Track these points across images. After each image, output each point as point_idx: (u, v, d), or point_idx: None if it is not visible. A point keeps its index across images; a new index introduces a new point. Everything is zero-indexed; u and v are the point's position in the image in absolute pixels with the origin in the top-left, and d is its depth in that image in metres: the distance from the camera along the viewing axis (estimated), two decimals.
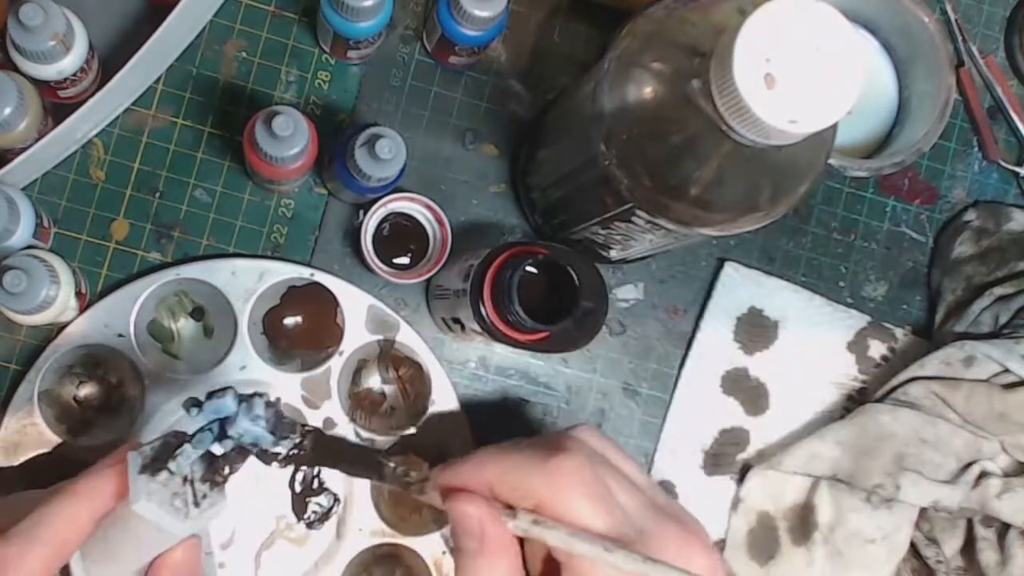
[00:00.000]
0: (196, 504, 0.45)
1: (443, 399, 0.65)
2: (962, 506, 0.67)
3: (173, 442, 0.46)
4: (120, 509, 0.45)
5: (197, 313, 0.65)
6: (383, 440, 0.64)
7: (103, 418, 0.63)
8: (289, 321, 0.66)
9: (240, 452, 0.46)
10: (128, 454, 0.45)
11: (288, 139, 0.56)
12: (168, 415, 0.62)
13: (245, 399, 0.45)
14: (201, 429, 0.45)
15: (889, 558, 0.67)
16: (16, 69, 0.57)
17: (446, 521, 0.65)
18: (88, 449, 0.61)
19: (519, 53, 0.69)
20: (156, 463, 0.45)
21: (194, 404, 0.45)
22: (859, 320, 0.72)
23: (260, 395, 0.45)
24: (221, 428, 0.45)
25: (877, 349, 0.72)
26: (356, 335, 0.64)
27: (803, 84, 0.43)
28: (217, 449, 0.45)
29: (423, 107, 0.68)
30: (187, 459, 0.45)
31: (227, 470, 0.46)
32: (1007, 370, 0.67)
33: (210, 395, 0.45)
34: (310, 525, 0.57)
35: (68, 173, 0.64)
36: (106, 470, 0.45)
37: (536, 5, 0.70)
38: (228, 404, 0.45)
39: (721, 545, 0.69)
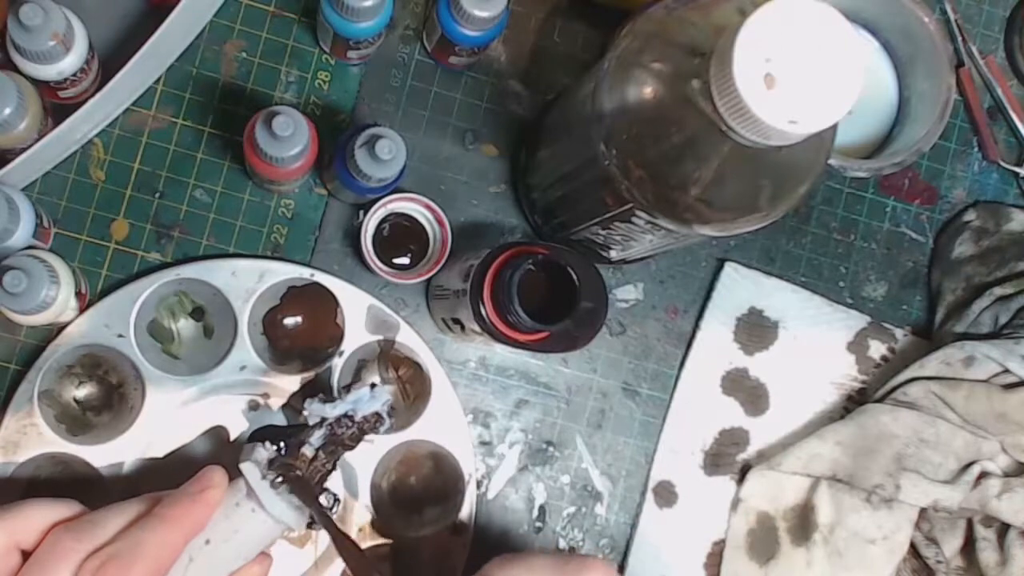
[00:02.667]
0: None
1: (443, 399, 0.65)
2: (962, 506, 0.67)
3: (284, 455, 0.52)
4: (215, 529, 0.49)
5: (197, 313, 0.65)
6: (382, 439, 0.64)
7: (103, 418, 0.63)
8: (289, 321, 0.66)
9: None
10: (245, 467, 0.50)
11: (288, 139, 0.56)
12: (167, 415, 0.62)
13: (372, 387, 0.56)
14: (318, 426, 0.54)
15: (889, 558, 0.67)
16: (16, 69, 0.57)
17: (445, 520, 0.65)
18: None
19: (519, 53, 0.69)
20: (278, 471, 0.51)
21: (327, 400, 0.55)
22: (859, 320, 0.72)
23: (375, 384, 0.56)
24: (340, 419, 0.55)
25: (877, 349, 0.72)
26: (356, 335, 0.64)
27: (803, 84, 0.43)
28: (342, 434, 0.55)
29: (423, 107, 0.68)
30: (308, 460, 0.53)
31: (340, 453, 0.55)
32: (1007, 370, 0.67)
33: (347, 387, 0.56)
34: (310, 525, 0.58)
35: (68, 173, 0.64)
36: (197, 497, 0.49)
37: (536, 5, 0.70)
38: (364, 394, 0.55)
39: (721, 545, 0.69)
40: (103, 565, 0.45)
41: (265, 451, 0.52)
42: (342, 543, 0.52)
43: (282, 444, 0.53)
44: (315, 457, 0.53)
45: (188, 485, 0.50)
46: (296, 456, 0.52)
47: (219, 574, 0.50)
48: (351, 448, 0.56)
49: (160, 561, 0.47)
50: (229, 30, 0.66)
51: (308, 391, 0.62)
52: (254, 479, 0.50)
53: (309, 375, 0.64)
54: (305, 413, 0.55)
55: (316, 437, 0.54)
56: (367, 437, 0.56)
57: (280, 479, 0.51)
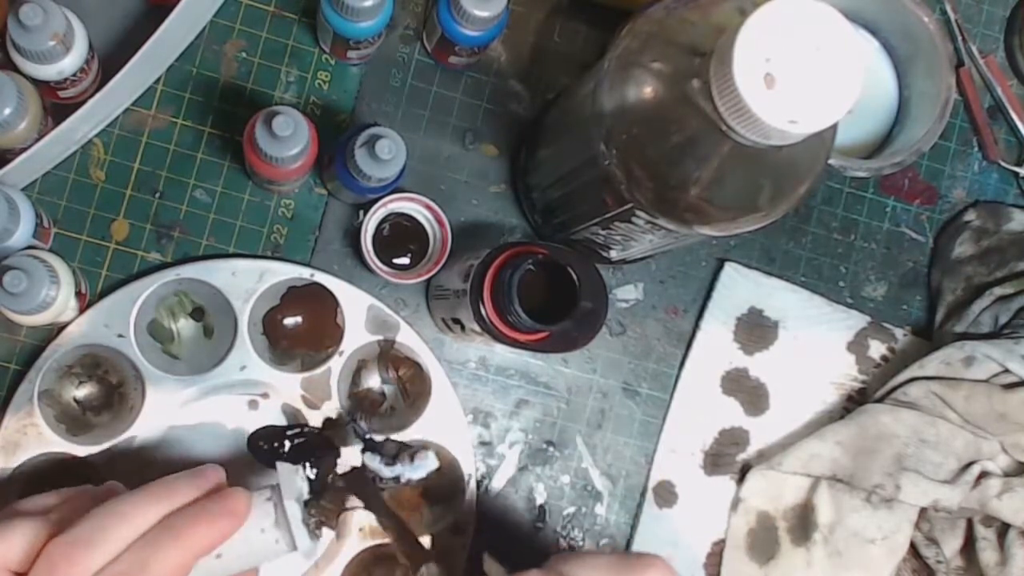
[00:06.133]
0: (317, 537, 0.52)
1: (443, 399, 0.65)
2: (962, 506, 0.67)
3: (323, 497, 0.52)
4: (231, 547, 0.47)
5: (197, 313, 0.65)
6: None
7: (103, 418, 0.63)
8: (289, 321, 0.66)
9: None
10: (289, 506, 0.49)
11: (288, 139, 0.56)
12: (167, 415, 0.63)
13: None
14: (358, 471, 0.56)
15: (889, 558, 0.67)
16: (16, 69, 0.57)
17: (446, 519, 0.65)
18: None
19: (519, 53, 0.69)
20: (318, 516, 0.51)
21: (385, 460, 0.58)
22: (859, 320, 0.72)
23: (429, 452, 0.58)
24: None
25: (877, 349, 0.72)
26: (356, 335, 0.64)
27: (803, 84, 0.43)
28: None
29: (423, 107, 0.68)
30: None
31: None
32: (1007, 370, 0.67)
33: (410, 455, 0.58)
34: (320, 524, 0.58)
35: (68, 173, 0.64)
36: (217, 519, 0.45)
37: (536, 5, 0.70)
38: (424, 464, 0.58)
39: (721, 545, 0.69)
40: None
41: (302, 481, 0.51)
42: (405, 538, 0.54)
43: (315, 471, 0.53)
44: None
45: (210, 501, 0.46)
46: (339, 501, 0.52)
47: None
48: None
49: None
50: (229, 30, 0.66)
51: (368, 442, 0.61)
52: (295, 520, 0.49)
53: (309, 375, 0.64)
54: (362, 461, 0.57)
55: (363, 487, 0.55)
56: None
57: (320, 523, 0.51)
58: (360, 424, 0.61)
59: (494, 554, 0.51)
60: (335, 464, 0.56)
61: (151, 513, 0.45)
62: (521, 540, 0.68)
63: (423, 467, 0.57)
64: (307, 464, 0.53)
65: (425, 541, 0.64)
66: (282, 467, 0.51)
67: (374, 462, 0.56)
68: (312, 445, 0.58)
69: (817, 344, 0.71)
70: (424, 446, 0.58)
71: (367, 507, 0.55)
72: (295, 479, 0.51)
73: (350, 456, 0.58)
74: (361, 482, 0.54)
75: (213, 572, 0.48)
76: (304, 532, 0.49)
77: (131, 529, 0.44)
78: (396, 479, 0.57)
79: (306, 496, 0.51)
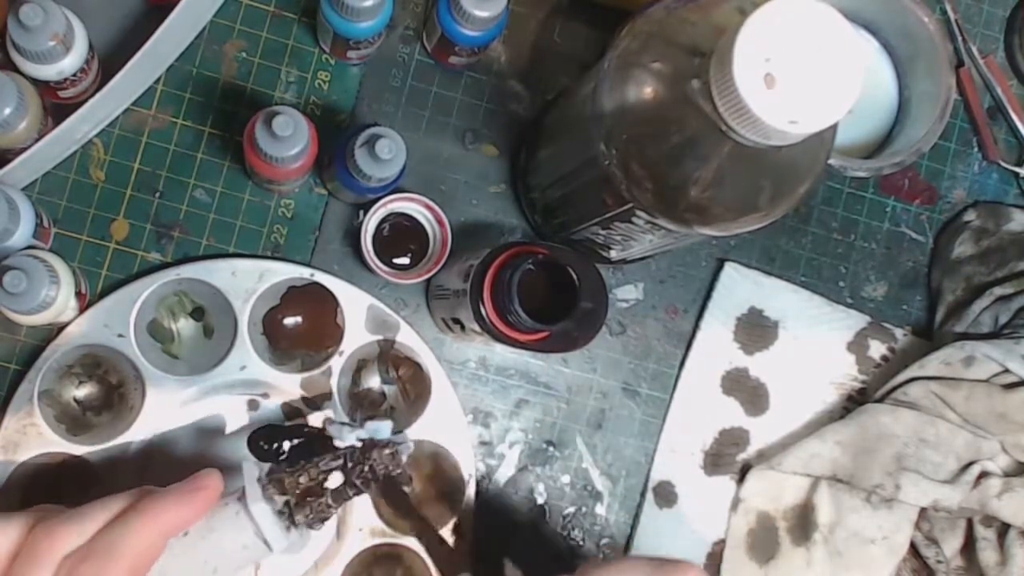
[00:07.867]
0: (293, 527, 0.50)
1: (443, 399, 0.65)
2: (962, 506, 0.67)
3: (288, 467, 0.51)
4: (212, 533, 0.48)
5: (197, 313, 0.65)
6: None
7: (103, 418, 0.63)
8: (289, 321, 0.66)
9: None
10: (246, 465, 0.49)
11: (288, 139, 0.56)
12: (166, 414, 0.63)
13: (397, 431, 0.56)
14: (334, 457, 0.53)
15: (889, 558, 0.67)
16: (16, 69, 0.57)
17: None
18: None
19: (519, 53, 0.69)
20: (275, 480, 0.49)
21: (348, 423, 0.54)
22: (859, 320, 0.72)
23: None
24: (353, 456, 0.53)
25: (877, 349, 0.72)
26: (356, 335, 0.64)
27: (803, 84, 0.43)
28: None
29: (423, 107, 0.68)
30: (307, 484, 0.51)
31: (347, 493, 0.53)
32: (1007, 370, 0.67)
33: (369, 418, 0.55)
34: (310, 525, 0.58)
35: (68, 173, 0.64)
36: (185, 496, 0.46)
37: (536, 5, 0.70)
38: (384, 428, 0.54)
39: (721, 545, 0.69)
40: (77, 566, 0.43)
41: (272, 453, 0.51)
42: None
43: (288, 446, 0.52)
44: (317, 486, 0.53)
45: (180, 484, 0.47)
46: (299, 471, 0.51)
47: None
48: (359, 492, 0.54)
49: (137, 560, 0.44)
50: (229, 30, 0.66)
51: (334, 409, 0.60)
52: (250, 479, 0.49)
53: (309, 375, 0.64)
54: (328, 431, 0.55)
55: (328, 464, 0.53)
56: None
57: (285, 497, 0.50)
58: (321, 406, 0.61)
59: (514, 561, 0.52)
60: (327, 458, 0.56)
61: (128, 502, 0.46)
62: (521, 541, 0.68)
63: (383, 429, 0.55)
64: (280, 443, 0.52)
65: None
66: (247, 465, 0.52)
67: (334, 427, 0.56)
68: (312, 445, 0.58)
69: (817, 344, 0.71)
70: (375, 413, 0.58)
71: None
72: (260, 466, 0.51)
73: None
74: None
75: (185, 554, 0.48)
76: (258, 490, 0.49)
77: (108, 513, 0.45)
78: (370, 444, 0.56)
79: (267, 468, 0.50)
